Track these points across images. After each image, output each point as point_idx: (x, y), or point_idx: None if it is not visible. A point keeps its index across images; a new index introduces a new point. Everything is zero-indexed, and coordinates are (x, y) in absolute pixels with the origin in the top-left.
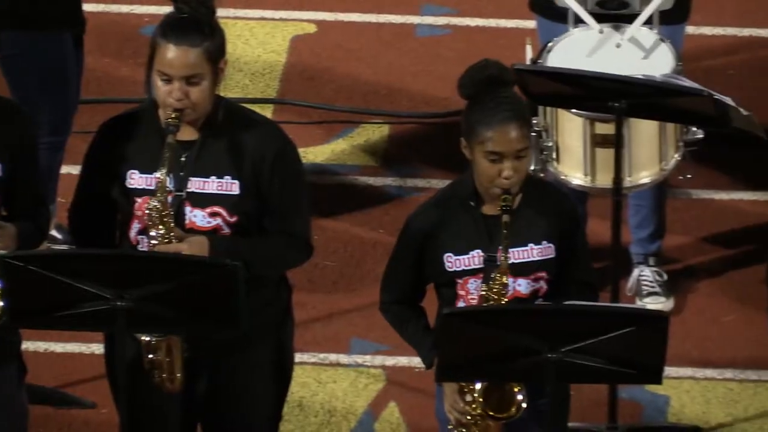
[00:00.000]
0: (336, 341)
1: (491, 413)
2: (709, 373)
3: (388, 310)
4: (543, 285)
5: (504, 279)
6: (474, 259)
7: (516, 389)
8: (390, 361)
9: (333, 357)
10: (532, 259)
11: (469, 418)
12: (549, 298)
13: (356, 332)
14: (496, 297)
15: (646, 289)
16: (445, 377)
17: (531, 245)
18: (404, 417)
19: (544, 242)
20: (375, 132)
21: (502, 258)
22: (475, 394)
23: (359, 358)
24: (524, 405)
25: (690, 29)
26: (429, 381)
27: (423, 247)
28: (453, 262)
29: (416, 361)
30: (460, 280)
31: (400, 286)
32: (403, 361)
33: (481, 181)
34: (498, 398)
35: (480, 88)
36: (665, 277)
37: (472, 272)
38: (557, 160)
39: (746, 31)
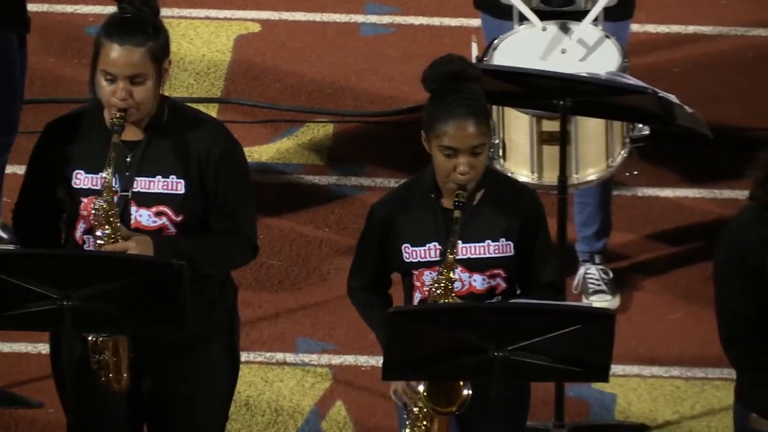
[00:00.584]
0: (282, 340)
1: (436, 408)
2: (656, 370)
3: (353, 295)
4: (500, 282)
5: (450, 273)
6: (430, 251)
7: (461, 383)
8: (336, 360)
9: (279, 356)
10: (488, 255)
11: (416, 410)
12: (507, 296)
13: (302, 331)
14: (442, 291)
15: (592, 287)
16: (391, 376)
17: (488, 242)
18: (351, 415)
19: (503, 240)
20: (320, 131)
21: (448, 252)
22: (420, 388)
23: (306, 357)
24: (469, 395)
25: (635, 26)
26: (376, 380)
27: (384, 235)
28: (410, 253)
29: (362, 360)
30: (416, 272)
31: (366, 273)
32: (349, 359)
33: (438, 175)
34: (443, 393)
35: (442, 82)
36: (611, 275)
37: (428, 264)
38: (504, 157)
39: (691, 28)
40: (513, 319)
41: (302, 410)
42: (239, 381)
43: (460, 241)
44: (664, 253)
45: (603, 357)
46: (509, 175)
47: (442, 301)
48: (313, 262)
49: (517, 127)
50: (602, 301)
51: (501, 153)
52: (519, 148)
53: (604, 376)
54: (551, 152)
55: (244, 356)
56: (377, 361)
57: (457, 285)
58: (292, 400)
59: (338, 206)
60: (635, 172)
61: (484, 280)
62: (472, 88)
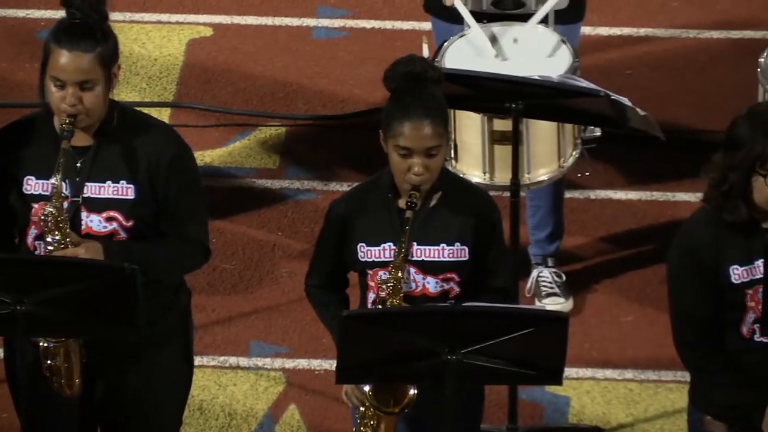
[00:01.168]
0: (235, 344)
1: (381, 408)
2: (609, 373)
3: (310, 293)
4: (454, 286)
5: (399, 274)
6: (385, 251)
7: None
8: (290, 363)
9: (233, 360)
10: (442, 259)
11: (362, 410)
12: (461, 300)
13: (256, 335)
14: (390, 291)
15: (545, 290)
16: (344, 379)
17: (443, 245)
18: (304, 419)
19: (457, 244)
20: (272, 134)
21: (399, 253)
22: (366, 388)
23: (259, 361)
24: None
25: (586, 29)
26: (329, 383)
27: (341, 233)
28: (365, 252)
29: (316, 364)
30: (370, 271)
31: (323, 271)
32: (302, 363)
33: (394, 175)
34: (389, 393)
35: (402, 82)
36: (564, 277)
37: (382, 264)
38: (455, 158)
39: (642, 31)
40: (466, 322)
41: (256, 414)
42: (192, 385)
43: (415, 243)
44: (617, 256)
45: (556, 360)
46: (463, 176)
47: (389, 301)
48: (265, 266)
49: (469, 127)
50: (555, 304)
51: (453, 154)
52: (471, 149)
53: (557, 379)
54: (503, 152)
55: (197, 360)
56: (330, 364)
57: (411, 286)
58: (246, 404)
59: (291, 210)
60: (587, 173)
61: (437, 283)
62: (431, 90)
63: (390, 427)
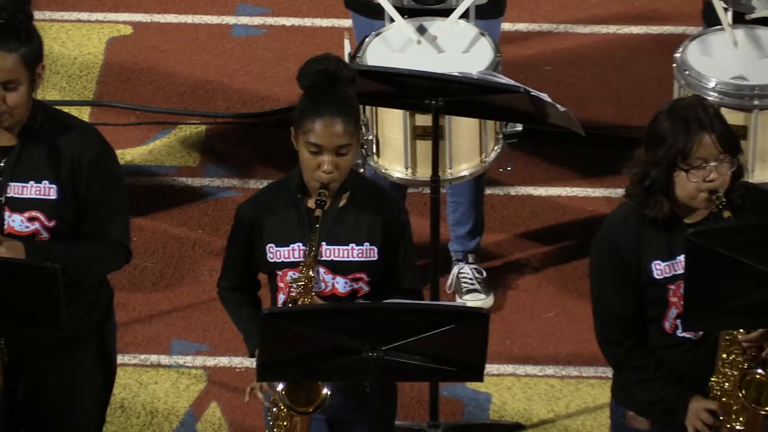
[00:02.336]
0: (157, 342)
1: (294, 408)
2: (530, 369)
3: (222, 295)
4: (363, 286)
5: (310, 273)
6: (294, 251)
7: (320, 383)
8: (211, 361)
9: (154, 358)
10: (351, 259)
11: (275, 410)
12: (369, 299)
13: (177, 333)
14: (301, 290)
15: (466, 287)
16: (266, 377)
17: (352, 245)
18: (226, 417)
19: (366, 244)
20: (192, 132)
21: (307, 251)
22: (279, 387)
23: (180, 359)
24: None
25: (506, 25)
26: (250, 381)
27: (250, 234)
28: (274, 253)
29: (237, 362)
30: (280, 272)
31: (234, 273)
32: (224, 361)
33: (303, 172)
34: (303, 393)
35: (315, 80)
36: (485, 274)
37: (292, 265)
38: (377, 154)
39: (562, 27)
40: (387, 319)
41: (177, 412)
42: (114, 383)
43: (324, 243)
44: (538, 252)
45: (477, 356)
46: (383, 171)
47: (301, 300)
48: (186, 264)
49: (391, 122)
50: (476, 300)
51: (375, 149)
52: (393, 144)
53: (478, 376)
54: (425, 147)
55: (118, 358)
56: (251, 362)
57: (320, 286)
58: (167, 402)
59: (211, 207)
60: (509, 169)
61: (346, 283)
62: (344, 89)
63: (304, 427)
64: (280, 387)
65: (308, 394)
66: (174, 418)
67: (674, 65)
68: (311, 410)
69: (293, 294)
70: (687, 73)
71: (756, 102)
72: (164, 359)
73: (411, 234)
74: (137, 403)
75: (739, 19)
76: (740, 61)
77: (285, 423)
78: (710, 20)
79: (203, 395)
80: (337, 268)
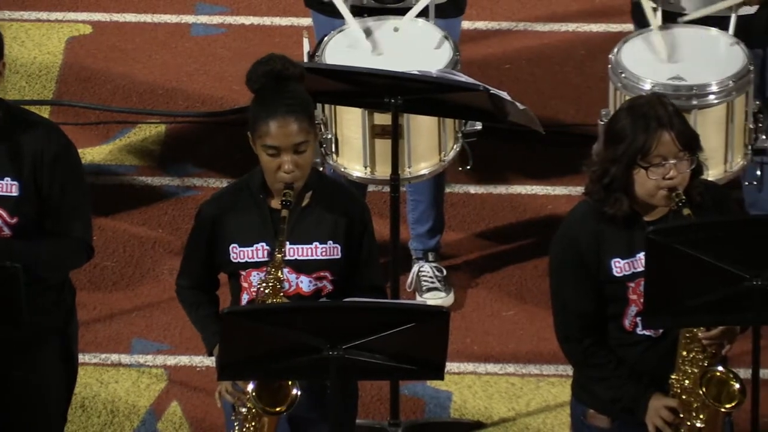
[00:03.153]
0: (117, 341)
1: (265, 408)
2: (491, 367)
3: (181, 293)
4: (327, 284)
5: (278, 273)
6: (258, 251)
7: (290, 383)
8: (171, 360)
9: (114, 357)
10: (315, 257)
11: (244, 410)
12: (333, 298)
13: (137, 332)
14: (271, 292)
15: (426, 285)
16: (227, 376)
17: (316, 243)
18: (187, 416)
19: (330, 242)
20: (152, 132)
21: (277, 252)
22: (248, 388)
23: (141, 358)
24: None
25: (466, 24)
26: (210, 380)
27: (212, 235)
28: (238, 253)
29: (197, 360)
30: (243, 272)
31: (194, 272)
32: (184, 360)
33: (265, 175)
34: (272, 393)
35: (264, 81)
36: (445, 272)
37: (256, 265)
38: (336, 152)
39: (521, 25)
40: (348, 317)
41: (138, 411)
42: (75, 382)
43: (288, 242)
44: (498, 250)
45: (438, 355)
46: (343, 170)
47: (270, 300)
48: (147, 263)
49: (350, 121)
50: (436, 299)
51: (334, 148)
52: (352, 143)
53: (439, 374)
54: (384, 146)
55: (79, 358)
56: (212, 361)
57: (285, 286)
58: (128, 401)
59: (171, 207)
60: (468, 167)
61: (311, 282)
62: (293, 87)
63: (271, 427)
64: (250, 388)
65: (277, 394)
66: (135, 417)
67: (609, 66)
68: (281, 411)
69: (261, 296)
70: (623, 74)
71: (695, 102)
72: (125, 358)
73: (374, 231)
74: (98, 402)
75: (669, 19)
76: (676, 62)
77: (253, 423)
78: (639, 20)
79: (164, 394)
80: (301, 267)
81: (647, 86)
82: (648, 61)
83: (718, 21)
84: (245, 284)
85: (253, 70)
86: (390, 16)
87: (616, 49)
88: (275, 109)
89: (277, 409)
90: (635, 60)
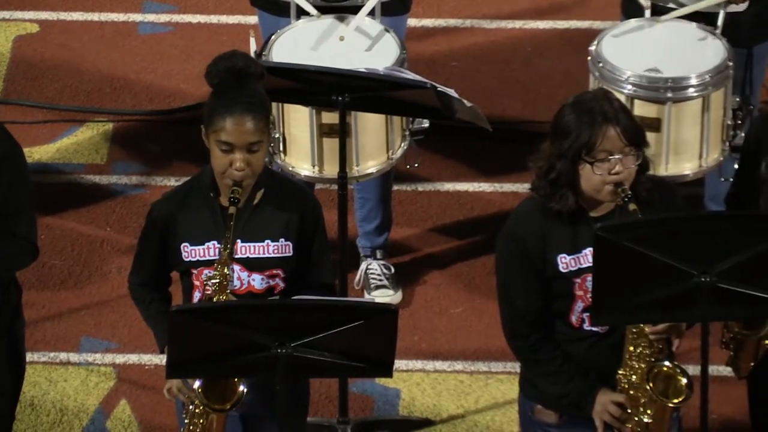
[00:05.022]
0: (66, 340)
1: (211, 405)
2: (439, 365)
3: (133, 290)
4: (279, 282)
5: (225, 270)
6: (209, 250)
7: (237, 380)
8: (120, 359)
9: (63, 356)
10: (267, 255)
11: (191, 407)
12: (285, 296)
13: (86, 331)
14: (217, 288)
15: (374, 282)
16: (175, 374)
17: (268, 241)
18: (136, 414)
19: (282, 240)
20: (100, 130)
21: (223, 249)
22: (196, 385)
23: (89, 357)
24: (244, 392)
25: (412, 21)
26: (159, 378)
27: (164, 234)
28: (189, 252)
29: (146, 359)
30: (195, 270)
31: (146, 269)
32: (133, 358)
33: (215, 171)
34: (219, 390)
35: (224, 77)
36: (393, 270)
37: (207, 263)
38: (284, 151)
39: (468, 22)
40: (296, 315)
41: (87, 410)
42: (23, 381)
43: (239, 241)
44: (446, 247)
45: (386, 352)
46: (290, 169)
47: (216, 298)
48: (95, 262)
49: (297, 120)
50: (384, 296)
51: (282, 148)
52: (299, 142)
53: (387, 372)
54: (331, 145)
55: (27, 356)
56: (161, 359)
57: (236, 284)
58: (77, 400)
59: (119, 205)
60: (416, 165)
61: (263, 279)
62: (253, 86)
63: (220, 424)
64: (196, 385)
65: (224, 391)
66: (84, 415)
67: (589, 58)
68: (228, 407)
69: (209, 292)
70: (601, 65)
71: (669, 94)
72: (73, 357)
73: (325, 228)
74: (47, 401)
75: (657, 12)
76: (655, 54)
77: (201, 421)
78: (629, 12)
79: (113, 393)
80: (253, 265)
81: (625, 77)
82: (626, 52)
83: (707, 17)
84: (197, 282)
85: (215, 65)
86: (339, 14)
87: (596, 41)
88: (234, 105)
89: (224, 406)
90: (614, 51)
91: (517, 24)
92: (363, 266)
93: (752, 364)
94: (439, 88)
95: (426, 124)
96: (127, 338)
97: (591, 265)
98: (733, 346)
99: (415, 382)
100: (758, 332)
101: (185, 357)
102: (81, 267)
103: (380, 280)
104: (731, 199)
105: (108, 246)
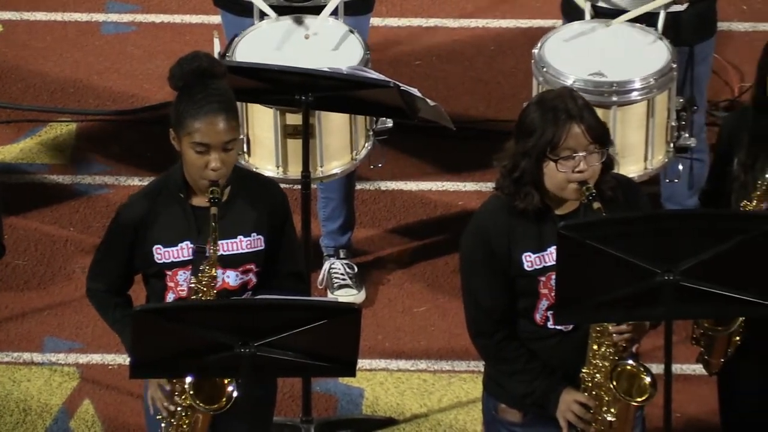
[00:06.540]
0: (29, 340)
1: (202, 405)
2: (403, 364)
3: (95, 296)
4: (252, 277)
5: (213, 271)
6: (183, 250)
7: (226, 381)
8: (83, 359)
9: (27, 356)
10: (241, 251)
11: (178, 409)
12: (258, 290)
13: (49, 331)
14: (205, 289)
15: (338, 282)
16: (138, 374)
17: (240, 237)
18: (99, 414)
19: (254, 234)
20: (63, 130)
21: (212, 251)
22: (186, 386)
23: (53, 357)
24: (235, 395)
25: (376, 21)
26: (123, 378)
27: (133, 238)
28: (162, 253)
29: (109, 359)
30: (169, 272)
31: (111, 275)
32: (96, 358)
33: (189, 172)
34: (209, 390)
35: (189, 79)
36: (356, 269)
37: (182, 264)
38: (248, 153)
39: (431, 21)
40: (259, 315)
41: (51, 409)
42: None
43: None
44: (409, 247)
45: (349, 351)
46: (254, 170)
47: (205, 297)
48: (58, 261)
49: (262, 121)
50: (348, 296)
51: (246, 148)
52: (264, 143)
53: (351, 371)
54: (295, 146)
55: None
56: (124, 359)
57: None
58: (41, 400)
59: (82, 205)
60: (380, 165)
61: (237, 276)
62: (219, 85)
63: (205, 423)
64: (187, 385)
65: (213, 391)
66: (47, 415)
67: (533, 61)
68: (221, 408)
69: (184, 293)
70: (545, 69)
71: (614, 98)
72: (37, 357)
73: (293, 219)
74: (10, 401)
75: (597, 14)
76: (598, 57)
77: (187, 421)
78: (569, 15)
79: (76, 392)
80: (227, 261)
81: (569, 82)
82: (570, 56)
83: (647, 17)
84: (171, 284)
85: (178, 68)
86: (302, 15)
87: (539, 44)
88: (204, 106)
89: (214, 406)
90: (557, 55)
91: (481, 23)
92: (326, 265)
93: (722, 360)
94: (402, 87)
95: (390, 124)
96: (91, 338)
97: (556, 263)
98: (704, 342)
99: (379, 381)
100: (728, 328)
101: (149, 357)
102: (44, 267)
103: (343, 279)
104: (704, 196)
105: (71, 246)
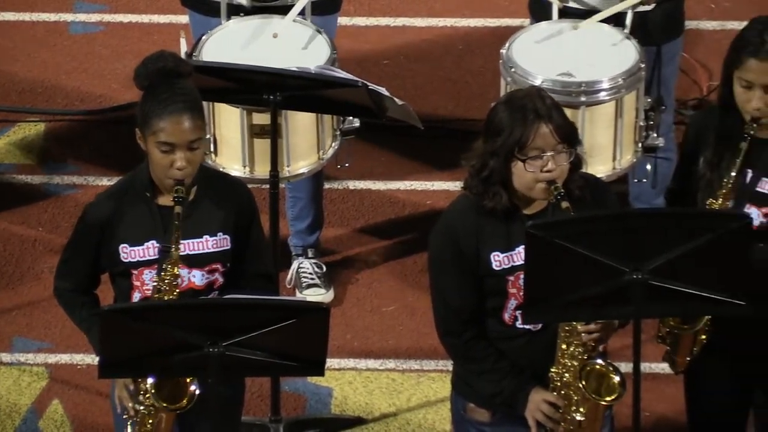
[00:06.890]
0: None
1: (164, 404)
2: (371, 363)
3: (62, 296)
4: (218, 277)
5: (175, 270)
6: (149, 250)
7: (188, 380)
8: (52, 358)
9: None
10: (207, 250)
11: (142, 408)
12: (225, 290)
13: (18, 330)
14: (167, 288)
15: (306, 281)
16: (107, 374)
17: (206, 236)
18: (68, 414)
19: (220, 234)
20: (31, 130)
21: (173, 249)
22: (147, 386)
23: (22, 357)
24: (197, 393)
25: (344, 20)
26: (92, 377)
27: (100, 237)
28: (128, 252)
29: (78, 359)
30: (135, 271)
31: (78, 275)
32: (65, 358)
33: (155, 171)
34: (171, 389)
35: (154, 78)
36: (324, 268)
37: (147, 263)
38: (215, 152)
39: (399, 21)
40: (228, 314)
41: (19, 409)
42: None
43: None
44: (377, 246)
45: (318, 351)
46: (221, 169)
47: (168, 297)
48: (27, 262)
49: (229, 121)
50: (316, 295)
51: (213, 148)
52: (231, 143)
53: (319, 370)
54: (262, 146)
55: None
56: (93, 359)
57: (176, 282)
58: (9, 400)
59: (51, 205)
60: (347, 165)
61: (203, 275)
62: (185, 84)
63: (168, 423)
64: (149, 384)
65: (174, 390)
66: (16, 415)
67: (500, 62)
68: (183, 407)
69: (149, 292)
70: (513, 69)
71: (583, 98)
72: (5, 357)
73: (260, 219)
74: None
75: (564, 14)
76: (566, 58)
77: (150, 420)
78: (537, 14)
79: (45, 392)
80: (193, 261)
81: (537, 82)
82: (538, 56)
83: (615, 17)
84: (137, 283)
85: (144, 68)
86: (270, 15)
87: (507, 44)
88: (170, 106)
89: (176, 405)
90: (525, 55)
91: (449, 22)
92: (294, 265)
93: (688, 359)
94: (370, 87)
95: (357, 123)
96: (60, 338)
97: (524, 262)
98: (669, 340)
99: (347, 380)
100: (694, 327)
101: (117, 357)
102: (13, 267)
103: (312, 278)
104: (670, 194)
105: (40, 246)
